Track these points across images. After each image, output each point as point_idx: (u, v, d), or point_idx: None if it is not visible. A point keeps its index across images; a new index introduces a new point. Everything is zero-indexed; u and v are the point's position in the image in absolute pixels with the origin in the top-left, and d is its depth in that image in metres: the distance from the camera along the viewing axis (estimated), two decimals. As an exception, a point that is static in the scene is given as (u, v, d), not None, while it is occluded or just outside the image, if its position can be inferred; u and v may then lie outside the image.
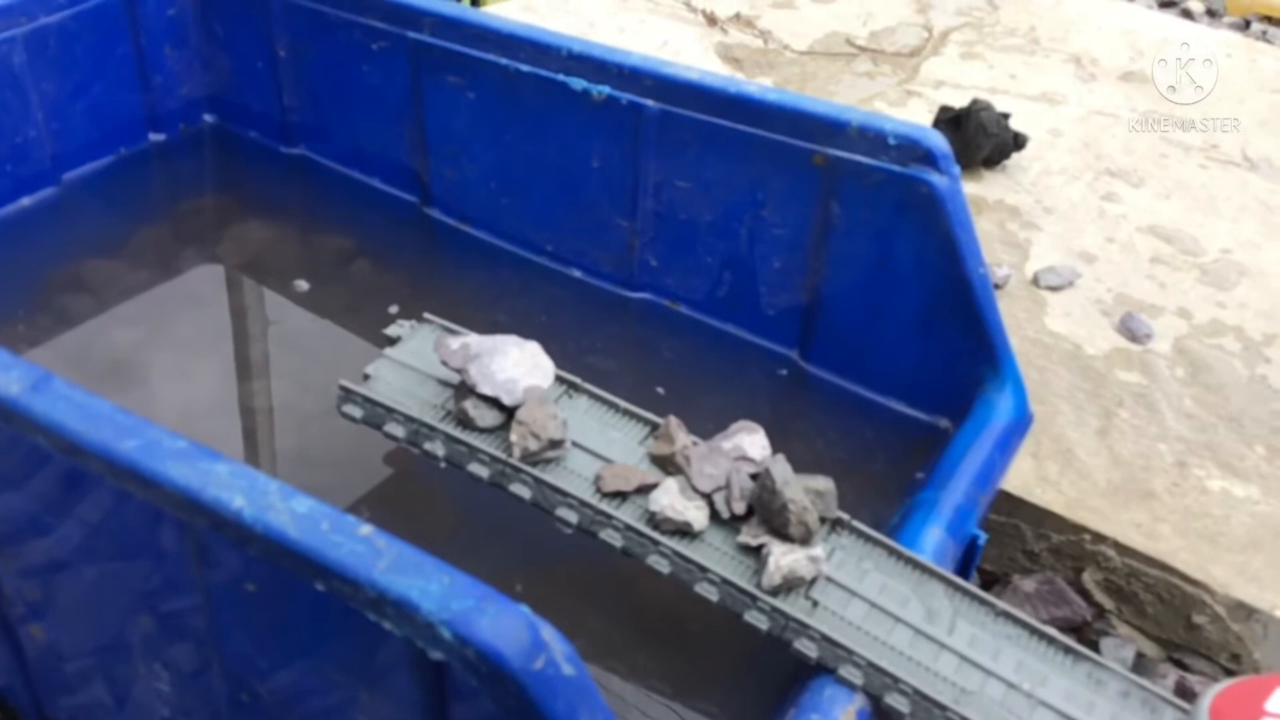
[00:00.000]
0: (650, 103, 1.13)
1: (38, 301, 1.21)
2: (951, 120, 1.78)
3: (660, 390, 1.16)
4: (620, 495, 0.91)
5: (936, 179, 1.03)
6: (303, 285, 1.26)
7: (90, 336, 1.19)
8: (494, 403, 0.94)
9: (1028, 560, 1.24)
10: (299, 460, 1.10)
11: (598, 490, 0.92)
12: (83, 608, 0.90)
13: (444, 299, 1.25)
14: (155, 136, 1.39)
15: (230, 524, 0.66)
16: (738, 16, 2.15)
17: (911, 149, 1.03)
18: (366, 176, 1.37)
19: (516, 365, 0.94)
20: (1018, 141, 1.78)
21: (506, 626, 0.60)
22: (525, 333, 0.98)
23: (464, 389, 0.95)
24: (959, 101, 1.83)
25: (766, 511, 0.89)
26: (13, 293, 1.21)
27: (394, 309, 1.22)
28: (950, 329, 1.08)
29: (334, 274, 1.29)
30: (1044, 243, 1.62)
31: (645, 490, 0.92)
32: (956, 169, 1.04)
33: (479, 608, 0.60)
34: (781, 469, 0.89)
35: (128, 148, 1.37)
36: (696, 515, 0.89)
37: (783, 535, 0.88)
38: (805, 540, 0.88)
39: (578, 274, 1.27)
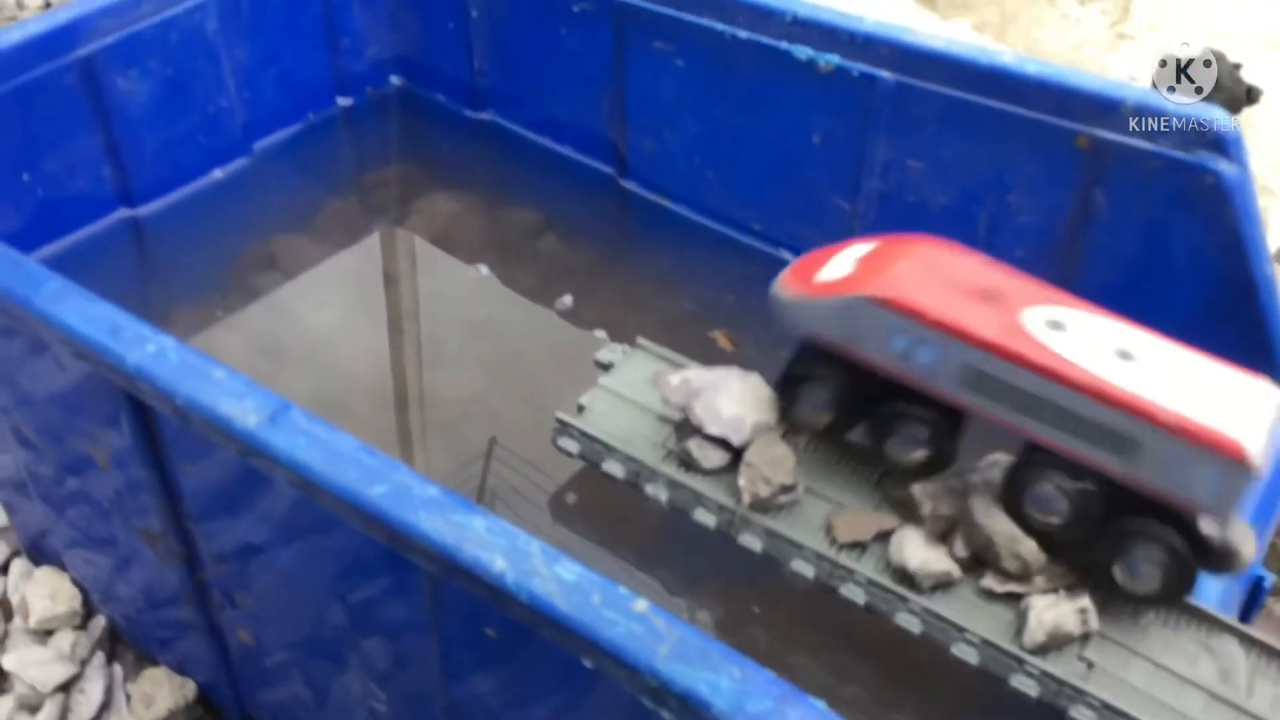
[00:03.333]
0: (885, 74, 1.02)
1: (232, 280, 1.18)
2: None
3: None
4: (859, 546, 0.83)
5: (1225, 167, 0.90)
6: (483, 270, 1.20)
7: (283, 319, 1.16)
8: (720, 442, 0.86)
9: (1283, 581, 1.13)
10: (490, 455, 1.05)
11: (831, 540, 0.84)
12: (294, 620, 0.86)
13: (632, 277, 1.18)
14: (343, 101, 1.34)
15: (489, 587, 0.60)
16: (929, -49, 1.99)
17: (1197, 133, 0.90)
18: (558, 145, 1.30)
19: (741, 400, 0.87)
20: (1250, 96, 1.61)
21: (811, 732, 0.53)
22: (711, 314, 0.89)
23: (687, 427, 0.88)
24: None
25: (979, 549, 0.80)
26: (210, 270, 1.18)
27: (568, 299, 1.16)
28: (1225, 335, 0.95)
29: (522, 250, 1.23)
30: (1286, 212, 1.47)
31: (883, 537, 0.83)
32: (1247, 155, 0.91)
33: (779, 711, 0.53)
34: (981, 501, 0.80)
35: (316, 113, 1.32)
36: (950, 565, 0.80)
37: (1002, 571, 0.79)
38: (1025, 576, 0.78)
39: (786, 255, 1.18)
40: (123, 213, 1.19)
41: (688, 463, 0.88)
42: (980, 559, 0.81)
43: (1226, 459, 0.69)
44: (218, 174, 1.24)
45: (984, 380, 0.74)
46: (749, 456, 0.84)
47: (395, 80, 1.37)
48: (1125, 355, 0.73)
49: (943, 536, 0.81)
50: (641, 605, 0.58)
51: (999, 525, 0.79)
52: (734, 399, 0.86)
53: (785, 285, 0.84)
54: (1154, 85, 1.62)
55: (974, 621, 0.79)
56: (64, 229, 1.14)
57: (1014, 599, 0.80)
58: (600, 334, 1.12)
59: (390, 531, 0.63)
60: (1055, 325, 0.74)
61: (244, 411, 0.67)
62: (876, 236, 0.86)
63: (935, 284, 0.77)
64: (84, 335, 0.73)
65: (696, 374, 0.89)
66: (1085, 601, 0.78)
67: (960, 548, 0.81)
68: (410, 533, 0.62)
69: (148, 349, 0.71)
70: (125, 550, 0.95)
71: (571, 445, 0.93)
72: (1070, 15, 1.86)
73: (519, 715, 0.73)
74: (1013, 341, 0.72)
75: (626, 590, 0.58)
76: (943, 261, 0.80)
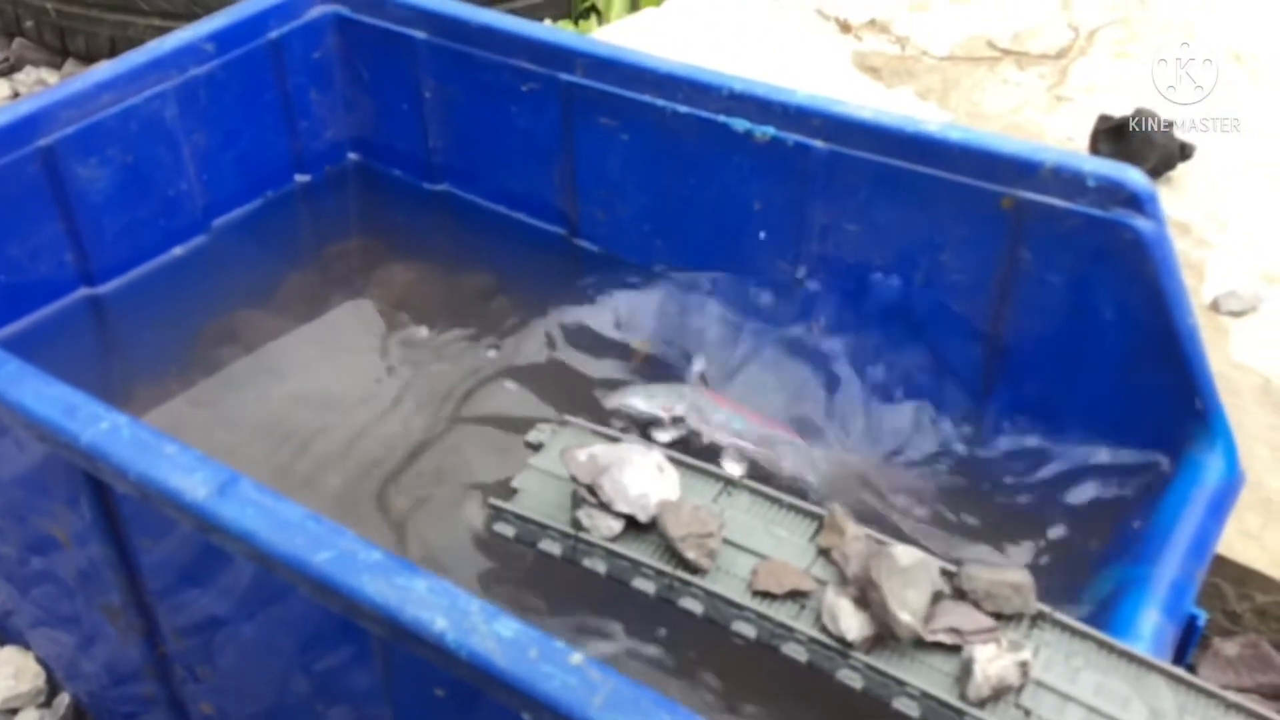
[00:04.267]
0: (818, 143, 1.07)
1: (193, 355, 1.21)
2: (1113, 130, 1.68)
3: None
4: (769, 595, 0.86)
5: (1142, 224, 0.95)
6: (423, 333, 1.23)
7: (244, 392, 1.18)
8: (621, 514, 0.90)
9: (1228, 621, 1.15)
10: (444, 517, 1.07)
11: (749, 587, 0.86)
12: (254, 690, 0.88)
13: (581, 330, 1.22)
14: (301, 178, 1.37)
15: (431, 646, 0.62)
16: (872, 22, 2.06)
17: (1113, 191, 0.95)
18: (514, 216, 1.34)
19: (645, 477, 0.90)
20: (1184, 152, 1.67)
21: (738, 776, 0.55)
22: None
23: (576, 497, 0.91)
24: (1115, 107, 1.73)
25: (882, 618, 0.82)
26: (167, 346, 1.21)
27: (491, 353, 1.21)
28: (1152, 383, 1.00)
29: (476, 315, 1.26)
30: (1221, 263, 1.51)
31: (797, 596, 0.86)
32: (1162, 212, 0.96)
33: (707, 754, 0.55)
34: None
35: (274, 190, 1.35)
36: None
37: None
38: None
39: (733, 317, 1.22)
40: (84, 294, 1.22)
41: (577, 526, 0.90)
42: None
43: None
44: (178, 251, 1.27)
45: None
46: (673, 530, 0.87)
47: (353, 155, 1.41)
48: None
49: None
50: (577, 658, 0.60)
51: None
52: (639, 476, 0.89)
53: None
54: (1091, 147, 1.69)
55: (914, 675, 0.81)
56: (26, 312, 1.17)
57: (949, 650, 0.82)
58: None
59: (336, 596, 0.65)
60: None
61: (194, 484, 0.70)
62: None
63: None
64: (39, 415, 0.76)
65: (602, 450, 0.92)
66: (1026, 655, 0.80)
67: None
68: (355, 596, 0.64)
69: (101, 427, 0.74)
70: (88, 628, 0.97)
71: (507, 530, 0.95)
72: (1010, 80, 1.93)
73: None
74: None
75: (563, 644, 0.61)
76: None
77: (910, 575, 0.81)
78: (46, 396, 0.77)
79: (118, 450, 0.72)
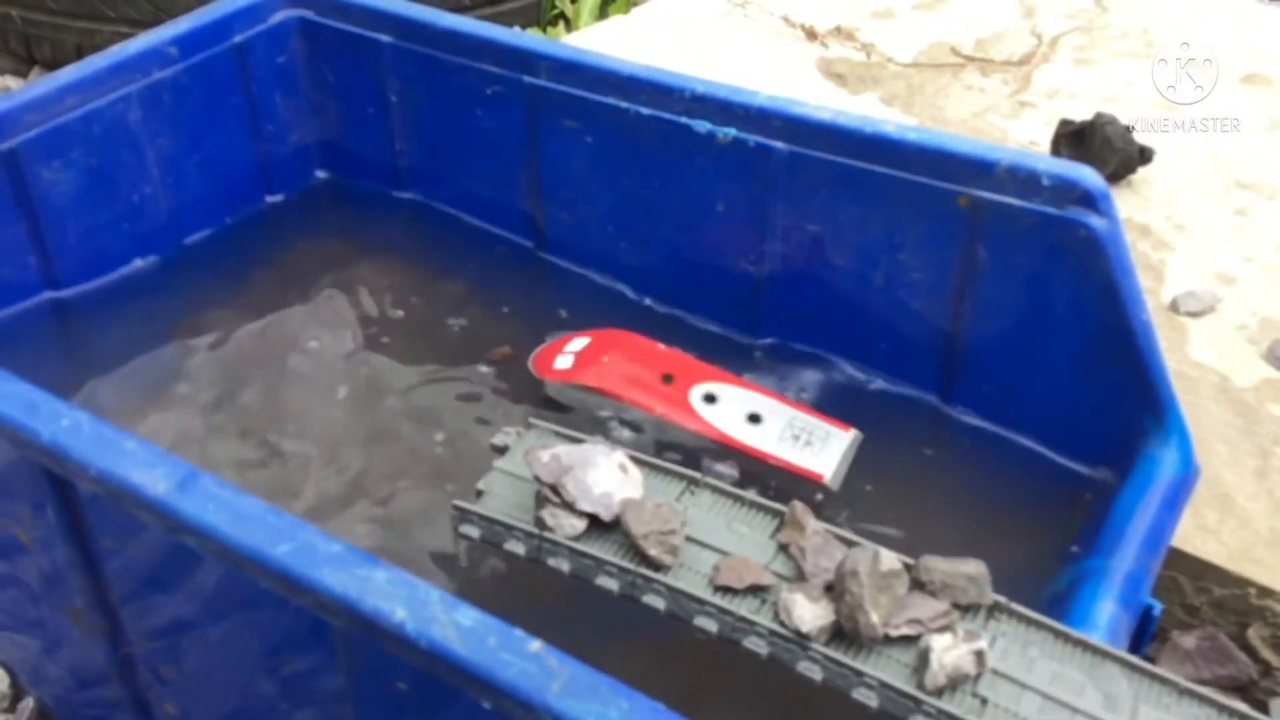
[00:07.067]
0: (779, 144, 1.08)
1: (158, 364, 1.20)
2: (1073, 134, 1.70)
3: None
4: (730, 590, 0.86)
5: (1096, 222, 0.96)
6: (388, 340, 1.24)
7: (210, 401, 1.18)
8: (584, 513, 0.90)
9: (1186, 614, 1.17)
10: (410, 522, 1.07)
11: (710, 582, 0.87)
12: (217, 689, 0.88)
13: (546, 335, 1.23)
14: (271, 199, 1.38)
15: (391, 636, 0.63)
16: (838, 29, 2.09)
17: (1068, 190, 0.97)
18: (479, 221, 1.34)
19: (609, 477, 0.90)
20: (1143, 155, 1.70)
21: (694, 758, 0.56)
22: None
23: (540, 497, 0.91)
24: (1075, 112, 1.76)
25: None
26: (135, 354, 1.20)
27: (457, 360, 1.20)
28: (1108, 378, 1.01)
29: (443, 321, 1.27)
30: (1179, 264, 1.54)
31: (758, 590, 0.86)
32: (1116, 210, 0.98)
33: (663, 738, 0.56)
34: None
35: (243, 205, 1.36)
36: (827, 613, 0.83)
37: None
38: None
39: (696, 319, 1.23)
40: (47, 297, 1.21)
41: (541, 526, 0.90)
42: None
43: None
44: (141, 262, 1.27)
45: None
46: (635, 528, 0.87)
47: (321, 174, 1.42)
48: (754, 418, 1.08)
49: (829, 588, 0.85)
50: (535, 645, 0.61)
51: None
52: (602, 476, 0.89)
53: (533, 367, 1.17)
54: (1053, 151, 1.72)
55: (873, 665, 0.82)
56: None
57: (908, 640, 0.83)
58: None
59: (297, 588, 0.66)
60: (709, 398, 1.10)
61: (154, 479, 0.70)
62: (589, 331, 1.18)
63: (627, 374, 1.13)
64: (1, 413, 0.76)
65: (566, 451, 0.92)
66: (982, 644, 0.81)
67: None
68: (316, 588, 0.65)
69: (63, 423, 0.74)
70: (53, 631, 0.97)
71: (473, 531, 0.95)
72: (974, 85, 1.95)
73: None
74: (674, 412, 1.09)
75: (521, 632, 0.61)
76: (635, 354, 1.14)
77: (887, 581, 0.82)
78: (8, 394, 0.77)
79: (79, 446, 0.73)
